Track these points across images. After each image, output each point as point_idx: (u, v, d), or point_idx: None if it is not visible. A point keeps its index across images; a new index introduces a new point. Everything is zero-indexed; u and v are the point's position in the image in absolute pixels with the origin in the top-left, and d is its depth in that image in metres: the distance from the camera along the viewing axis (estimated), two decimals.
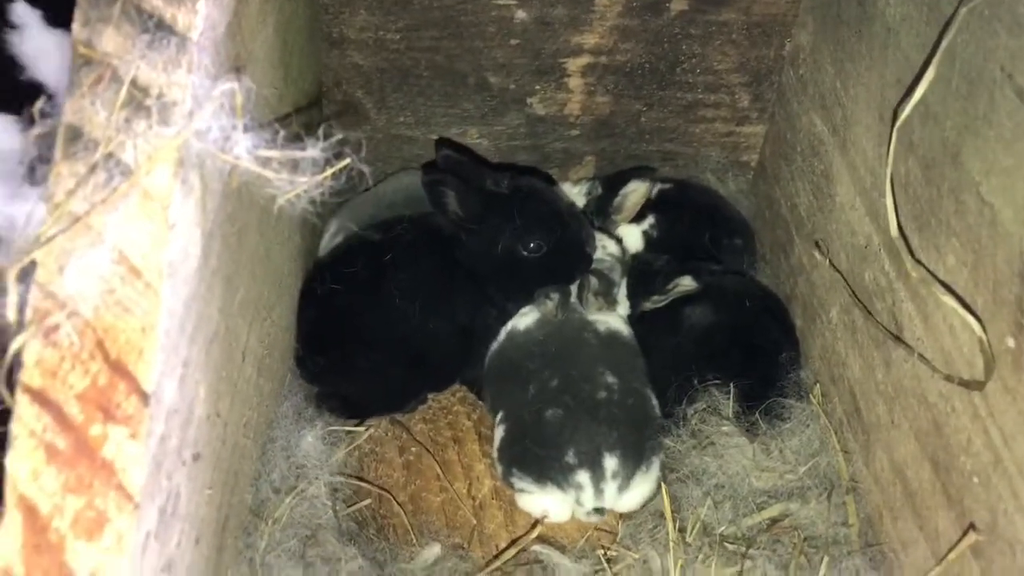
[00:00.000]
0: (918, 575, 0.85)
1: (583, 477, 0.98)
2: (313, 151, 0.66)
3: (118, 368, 0.54)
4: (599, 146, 1.36)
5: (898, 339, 0.89)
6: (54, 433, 0.52)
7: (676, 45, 1.25)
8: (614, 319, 1.15)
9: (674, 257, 1.26)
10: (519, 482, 1.03)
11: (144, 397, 0.54)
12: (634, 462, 0.99)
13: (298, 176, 0.65)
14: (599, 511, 0.99)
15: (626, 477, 0.98)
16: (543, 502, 1.01)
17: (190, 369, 0.63)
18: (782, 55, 1.26)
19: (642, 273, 1.23)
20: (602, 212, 1.29)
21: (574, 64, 1.26)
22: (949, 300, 0.76)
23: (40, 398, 0.53)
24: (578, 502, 0.99)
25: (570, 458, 0.99)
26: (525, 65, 1.26)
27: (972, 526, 0.77)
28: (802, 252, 1.17)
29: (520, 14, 1.21)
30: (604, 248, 1.20)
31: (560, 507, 1.00)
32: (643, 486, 1.00)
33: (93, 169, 0.56)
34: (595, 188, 1.33)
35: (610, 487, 0.98)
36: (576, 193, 1.34)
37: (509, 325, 1.15)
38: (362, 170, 0.69)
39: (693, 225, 1.31)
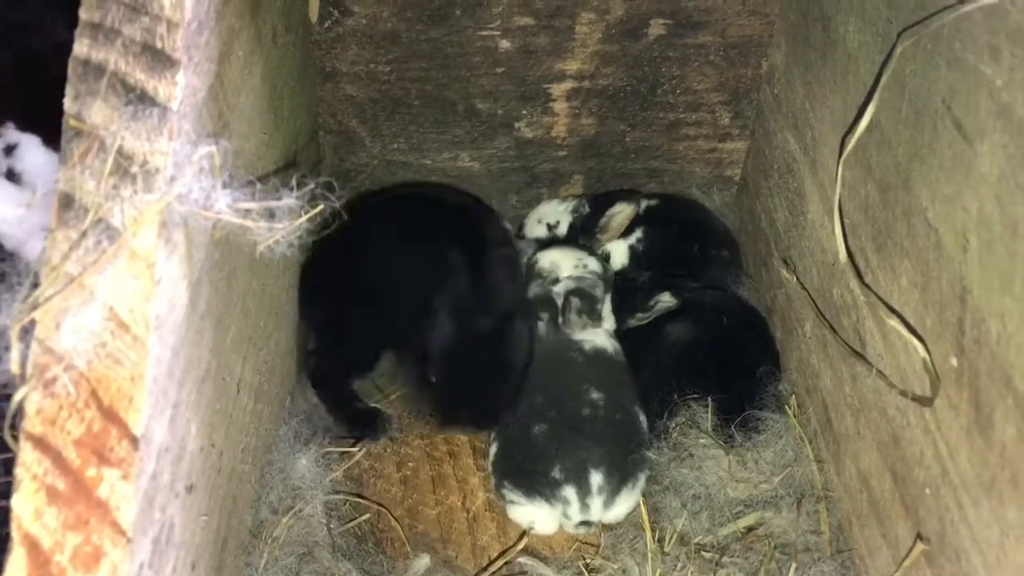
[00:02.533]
0: None
1: (569, 492, 1.03)
2: (289, 200, 0.71)
3: (110, 415, 0.60)
4: (586, 165, 1.41)
5: (858, 355, 0.93)
6: (54, 476, 0.58)
7: (656, 68, 1.29)
8: (601, 337, 1.19)
9: (660, 271, 1.31)
10: (509, 494, 1.08)
11: (134, 441, 0.60)
12: (619, 477, 1.04)
13: (276, 223, 0.71)
14: (586, 524, 1.04)
15: (611, 493, 1.03)
16: (531, 514, 1.06)
17: (180, 409, 0.69)
18: (759, 74, 1.30)
19: (625, 290, 1.27)
20: (587, 231, 1.34)
21: (558, 89, 1.31)
22: (894, 322, 0.80)
23: (41, 444, 0.58)
24: (565, 515, 1.04)
25: (556, 474, 1.04)
26: (511, 91, 1.31)
27: (919, 536, 0.81)
28: (780, 266, 1.21)
29: (504, 43, 1.26)
30: (586, 267, 1.24)
31: (547, 519, 1.06)
32: (629, 501, 1.05)
33: (84, 234, 0.62)
34: (582, 207, 1.38)
35: (596, 502, 1.03)
36: (563, 211, 1.39)
37: None
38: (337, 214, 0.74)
39: (680, 238, 1.36)
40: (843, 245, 0.87)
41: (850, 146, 0.83)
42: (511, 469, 1.08)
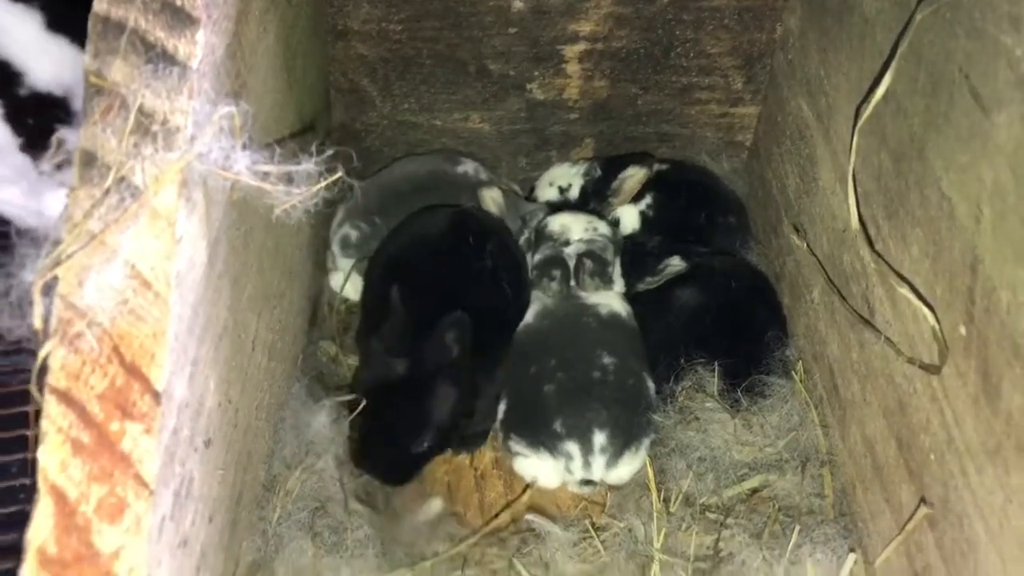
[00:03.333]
0: (883, 543, 0.91)
1: (572, 447, 1.05)
2: (307, 165, 0.72)
3: (133, 371, 0.61)
4: (597, 128, 1.41)
5: (867, 322, 0.94)
6: (78, 429, 0.59)
7: (670, 31, 1.29)
8: (616, 301, 1.20)
9: (669, 236, 1.31)
10: (515, 446, 1.10)
11: (156, 396, 0.61)
12: (623, 440, 1.05)
13: (293, 188, 0.71)
14: (589, 483, 1.06)
15: (614, 454, 1.05)
16: (535, 466, 1.08)
17: (199, 366, 0.70)
18: (773, 39, 1.30)
19: (635, 255, 1.28)
20: (599, 194, 1.34)
21: (571, 51, 1.31)
22: (904, 290, 0.81)
23: (65, 398, 0.59)
24: (568, 470, 1.06)
25: (559, 428, 1.05)
26: (524, 52, 1.30)
27: (923, 500, 0.83)
28: (790, 232, 1.21)
29: (517, 4, 1.25)
30: (596, 230, 1.25)
31: (551, 472, 1.07)
32: (632, 463, 1.06)
33: (107, 192, 0.63)
34: (594, 170, 1.38)
35: (598, 461, 1.05)
36: (574, 174, 1.39)
37: None
38: (352, 183, 0.75)
39: (689, 204, 1.36)
40: (855, 212, 0.87)
41: (866, 114, 0.83)
42: (518, 422, 1.11)
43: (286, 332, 1.06)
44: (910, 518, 0.85)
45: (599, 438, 1.05)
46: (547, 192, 1.40)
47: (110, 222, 0.62)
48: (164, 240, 0.63)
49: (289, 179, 0.72)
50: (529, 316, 1.18)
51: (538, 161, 1.44)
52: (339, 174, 0.73)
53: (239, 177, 0.68)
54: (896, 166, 0.90)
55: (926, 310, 0.80)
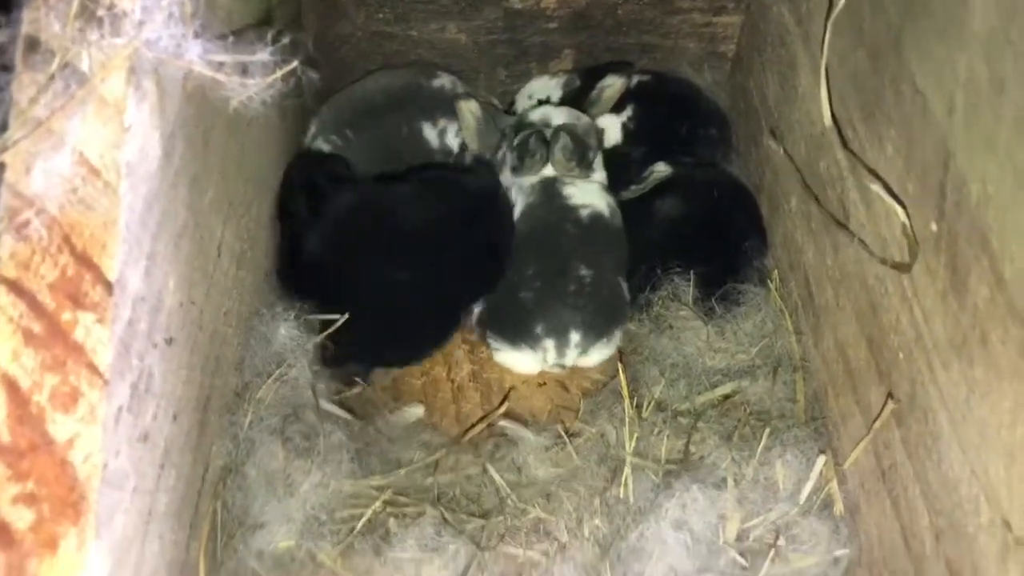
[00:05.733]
0: (852, 443, 0.92)
1: (548, 343, 1.09)
2: (262, 55, 0.70)
3: (84, 260, 0.60)
4: (577, 39, 1.38)
5: (841, 224, 0.93)
6: (30, 319, 0.58)
7: None
8: (599, 198, 1.18)
9: (651, 147, 1.29)
10: (495, 343, 1.13)
11: (108, 286, 0.60)
12: (596, 336, 1.09)
13: (248, 79, 0.70)
14: (561, 366, 1.11)
15: (586, 348, 1.09)
16: (514, 358, 1.13)
17: (156, 261, 0.69)
18: None
19: (619, 164, 1.26)
20: (578, 106, 1.31)
21: None
22: (876, 187, 0.80)
23: (16, 288, 0.58)
24: (544, 360, 1.11)
25: (539, 330, 1.09)
26: None
27: (890, 395, 0.83)
28: (768, 138, 1.20)
29: None
30: (579, 118, 1.23)
31: (529, 362, 1.12)
32: (603, 351, 1.12)
33: (52, 78, 0.61)
34: (573, 81, 1.36)
35: (572, 352, 1.10)
36: (554, 86, 1.36)
37: None
38: (310, 75, 0.73)
39: (670, 116, 1.34)
40: (827, 106, 0.85)
41: (840, 3, 0.80)
42: (497, 324, 1.13)
43: (256, 243, 1.05)
44: (877, 416, 0.85)
45: (574, 336, 1.09)
46: (527, 105, 1.37)
47: (56, 109, 0.60)
48: (112, 128, 0.61)
49: (244, 70, 0.70)
50: (514, 214, 1.18)
51: (517, 73, 1.41)
52: (294, 64, 0.71)
53: (192, 66, 0.66)
54: (873, 63, 0.88)
55: (897, 206, 0.79)
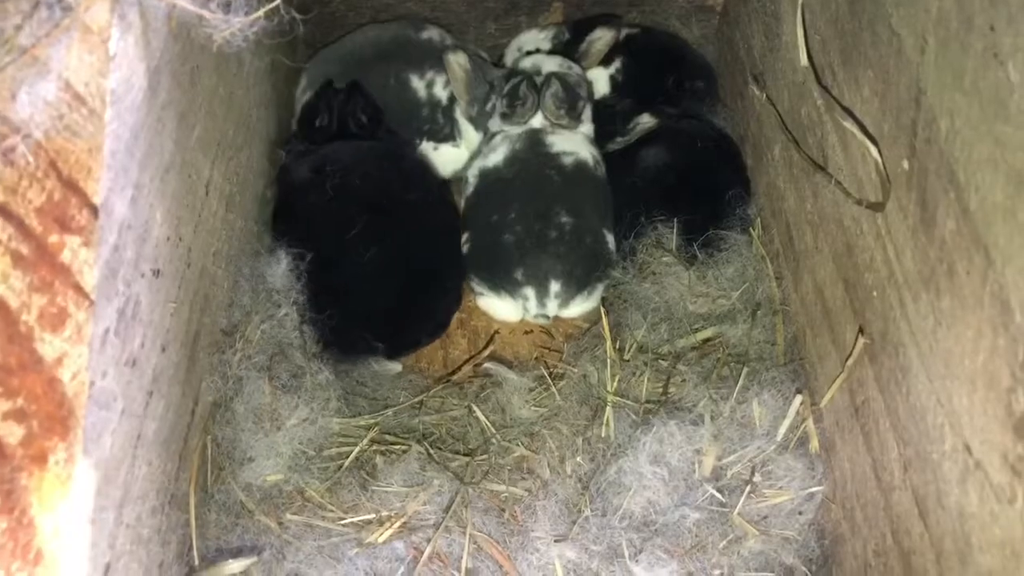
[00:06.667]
0: (829, 383, 0.94)
1: (529, 291, 1.11)
2: None
3: (70, 185, 0.61)
4: None
5: (819, 167, 0.95)
6: (17, 241, 0.60)
7: None
8: (583, 147, 1.20)
9: (638, 100, 1.31)
10: (478, 287, 1.16)
11: (94, 210, 0.62)
12: (576, 288, 1.10)
13: (232, 16, 0.71)
14: (544, 316, 1.13)
15: (566, 299, 1.10)
16: (496, 304, 1.15)
17: (142, 192, 0.70)
18: None
19: (605, 116, 1.28)
20: (568, 58, 1.32)
21: None
22: (849, 125, 0.81)
23: (3, 211, 0.60)
24: (524, 309, 1.13)
25: (519, 276, 1.11)
26: None
27: (861, 330, 0.85)
28: (751, 83, 1.21)
29: None
30: (570, 68, 1.24)
31: (510, 310, 1.14)
32: (584, 304, 1.13)
33: (37, 5, 0.62)
34: (562, 34, 1.37)
35: (552, 303, 1.11)
36: (543, 39, 1.37)
37: (477, 166, 1.21)
38: (293, 16, 0.74)
39: (658, 68, 1.35)
40: (803, 46, 0.87)
41: None
42: (479, 266, 1.15)
43: (246, 188, 1.07)
44: (850, 354, 0.87)
45: (554, 286, 1.10)
46: (516, 58, 1.38)
47: (41, 36, 0.62)
48: (98, 56, 0.63)
49: (227, 7, 0.71)
50: (497, 159, 1.19)
51: (507, 26, 1.42)
52: (276, 2, 0.72)
53: (175, 0, 0.68)
54: (851, 6, 0.89)
55: (869, 144, 0.80)
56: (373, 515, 0.91)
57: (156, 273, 0.75)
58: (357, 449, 0.96)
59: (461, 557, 0.88)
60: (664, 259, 1.09)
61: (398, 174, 1.16)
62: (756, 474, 0.92)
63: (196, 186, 0.86)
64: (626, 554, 0.88)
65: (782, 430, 0.94)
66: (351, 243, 1.06)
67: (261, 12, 0.72)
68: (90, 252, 0.61)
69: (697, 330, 1.05)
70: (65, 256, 0.61)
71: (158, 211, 0.74)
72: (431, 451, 0.97)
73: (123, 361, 0.68)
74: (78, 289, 0.61)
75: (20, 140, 0.61)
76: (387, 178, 1.14)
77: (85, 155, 0.62)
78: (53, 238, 0.60)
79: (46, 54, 0.62)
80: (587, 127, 1.24)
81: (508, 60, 1.39)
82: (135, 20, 0.67)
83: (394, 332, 1.11)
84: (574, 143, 1.18)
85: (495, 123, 1.22)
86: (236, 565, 0.85)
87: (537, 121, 1.21)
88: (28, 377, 0.59)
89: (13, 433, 0.58)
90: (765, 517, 0.91)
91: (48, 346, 0.60)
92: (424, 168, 1.24)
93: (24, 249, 0.60)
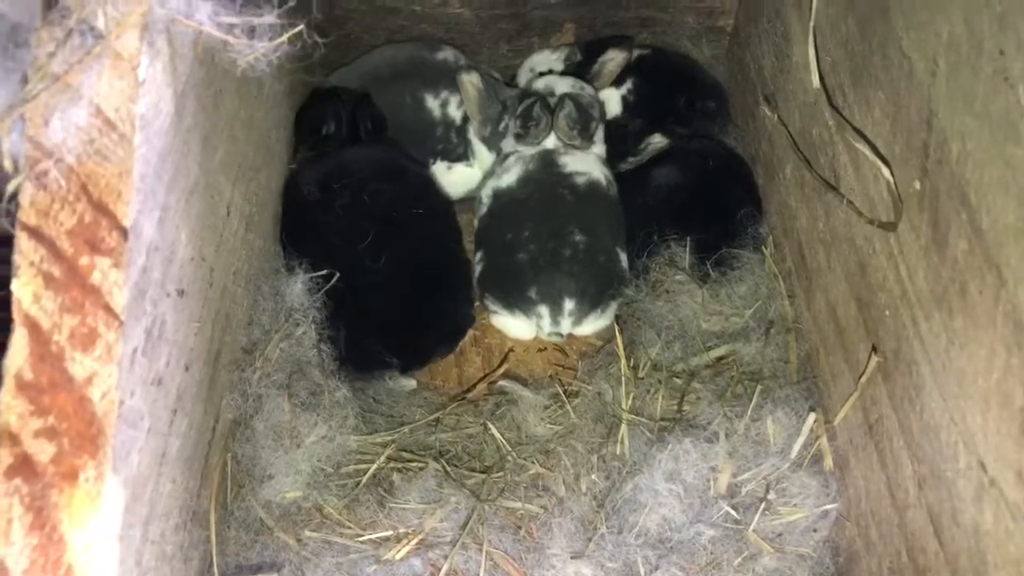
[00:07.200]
0: (842, 401, 0.95)
1: (543, 310, 1.12)
2: (269, 17, 0.73)
3: (100, 208, 0.63)
4: (578, 13, 1.40)
5: (831, 187, 0.96)
6: (49, 263, 0.61)
7: None
8: (596, 167, 1.21)
9: (650, 120, 1.32)
10: (492, 305, 1.17)
11: (124, 232, 0.63)
12: (590, 306, 1.11)
13: (256, 41, 0.73)
14: (557, 334, 1.14)
15: (580, 317, 1.12)
16: (509, 323, 1.16)
17: (169, 214, 0.72)
18: None
19: (617, 136, 1.29)
20: (580, 78, 1.34)
21: None
22: (861, 146, 0.82)
23: (36, 234, 0.62)
24: (538, 326, 1.14)
25: (533, 294, 1.12)
26: None
27: (874, 348, 0.86)
28: (763, 104, 1.22)
29: None
30: (583, 88, 1.26)
31: (524, 328, 1.15)
32: (597, 322, 1.14)
33: (69, 33, 0.64)
34: (574, 55, 1.38)
35: (566, 321, 1.12)
36: (555, 60, 1.39)
37: (491, 186, 1.23)
38: (316, 39, 0.76)
39: (669, 89, 1.37)
40: (815, 68, 0.88)
41: None
42: (493, 284, 1.16)
43: (265, 208, 1.08)
44: (863, 372, 0.88)
45: (568, 304, 1.11)
46: (528, 79, 1.40)
47: (73, 63, 0.64)
48: (128, 82, 0.64)
49: (252, 32, 0.73)
50: (511, 179, 1.20)
51: (519, 48, 1.43)
52: (300, 27, 0.73)
53: (201, 27, 0.69)
54: (861, 29, 0.91)
55: (881, 164, 0.81)
56: (391, 532, 0.92)
57: (181, 293, 0.76)
58: (375, 466, 0.97)
59: (478, 574, 0.89)
60: (677, 277, 1.10)
61: (404, 185, 1.18)
62: (771, 491, 0.93)
63: (218, 207, 0.88)
64: (642, 571, 0.89)
65: (796, 448, 0.94)
66: (361, 254, 1.08)
67: (285, 37, 0.74)
68: (120, 273, 0.63)
69: (711, 348, 1.06)
70: (95, 277, 0.62)
71: (183, 232, 0.76)
72: (448, 468, 0.97)
73: (150, 380, 0.69)
74: (108, 310, 0.62)
75: (52, 164, 0.63)
76: (396, 189, 1.16)
77: (115, 179, 0.63)
78: (84, 260, 0.62)
79: (78, 80, 0.63)
80: (600, 147, 1.25)
81: (521, 80, 1.41)
82: (163, 47, 0.69)
83: (405, 343, 1.12)
84: (587, 163, 1.20)
85: (508, 143, 1.24)
86: None
87: (550, 142, 1.23)
88: (59, 396, 0.61)
89: (44, 451, 0.60)
90: (780, 534, 0.92)
91: (79, 365, 0.61)
92: (428, 179, 1.25)
93: (56, 271, 0.62)
